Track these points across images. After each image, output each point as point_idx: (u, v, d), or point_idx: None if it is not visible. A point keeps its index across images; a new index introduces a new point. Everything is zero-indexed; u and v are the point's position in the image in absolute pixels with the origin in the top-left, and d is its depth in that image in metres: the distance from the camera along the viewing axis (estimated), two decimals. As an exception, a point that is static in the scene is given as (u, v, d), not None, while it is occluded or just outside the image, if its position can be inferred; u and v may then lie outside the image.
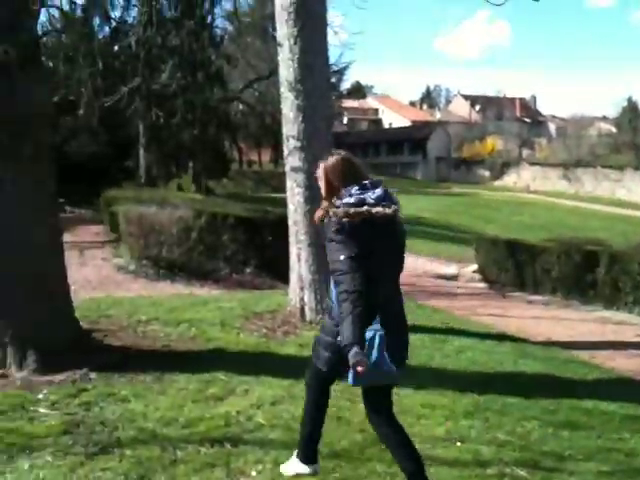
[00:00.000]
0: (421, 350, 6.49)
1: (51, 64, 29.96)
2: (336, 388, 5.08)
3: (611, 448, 4.52)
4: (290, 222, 7.75)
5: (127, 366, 5.31)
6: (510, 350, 7.30)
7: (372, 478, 3.64)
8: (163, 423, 4.21)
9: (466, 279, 15.33)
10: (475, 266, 16.14)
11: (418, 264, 16.63)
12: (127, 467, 3.57)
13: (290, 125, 7.54)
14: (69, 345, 5.40)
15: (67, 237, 15.36)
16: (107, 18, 27.90)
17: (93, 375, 5.05)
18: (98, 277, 10.40)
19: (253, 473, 3.66)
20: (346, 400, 4.87)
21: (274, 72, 6.62)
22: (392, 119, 79.41)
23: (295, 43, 7.37)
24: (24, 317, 5.20)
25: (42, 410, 4.28)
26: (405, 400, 4.92)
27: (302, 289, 7.58)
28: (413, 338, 6.88)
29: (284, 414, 4.50)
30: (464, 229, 27.23)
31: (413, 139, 67.05)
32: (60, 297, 5.63)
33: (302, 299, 7.57)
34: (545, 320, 11.06)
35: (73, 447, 3.77)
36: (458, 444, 4.19)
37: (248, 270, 11.60)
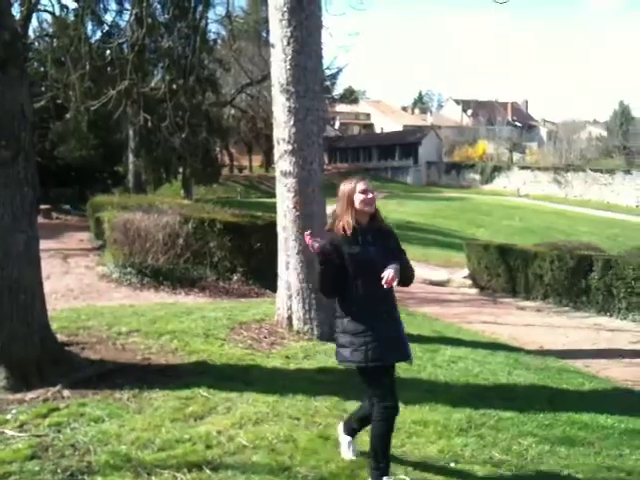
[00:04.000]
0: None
1: (42, 68, 29.75)
2: (325, 405, 4.90)
3: (611, 466, 4.32)
4: (279, 228, 7.53)
5: (103, 382, 5.04)
6: (504, 360, 7.10)
7: (360, 505, 3.39)
8: (138, 446, 3.96)
9: (457, 285, 15.13)
10: (466, 271, 15.96)
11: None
12: (96, 496, 3.32)
13: (281, 128, 7.32)
14: (43, 360, 5.12)
15: (51, 244, 15.11)
16: (99, 22, 27.70)
17: (66, 392, 4.78)
18: (80, 286, 10.10)
19: (233, 500, 3.42)
20: (334, 417, 4.65)
21: (267, 77, 6.45)
22: (384, 124, 79.45)
23: (288, 44, 7.16)
24: (-6, 331, 4.92)
25: (9, 432, 4.01)
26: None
27: (290, 297, 7.35)
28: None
29: (268, 434, 4.26)
30: (454, 234, 27.07)
31: (405, 143, 67.11)
32: (34, 309, 5.33)
33: (290, 308, 7.34)
34: (538, 327, 10.88)
35: (40, 474, 3.51)
36: (452, 465, 3.96)
37: (235, 277, 11.35)
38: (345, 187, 3.78)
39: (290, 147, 7.24)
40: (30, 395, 4.68)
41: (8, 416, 4.28)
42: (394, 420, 3.66)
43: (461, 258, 16.96)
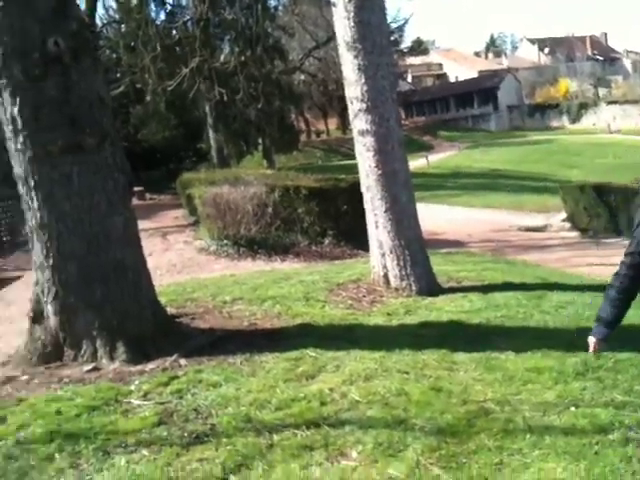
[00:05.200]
0: (517, 309, 6.13)
1: (114, 55, 30.67)
2: (433, 357, 4.89)
3: None
4: (363, 188, 7.49)
5: (216, 349, 5.23)
6: (614, 301, 6.79)
7: (482, 453, 3.36)
8: (256, 406, 4.08)
9: (555, 229, 14.60)
10: (563, 215, 15.36)
11: (500, 218, 16.02)
12: (224, 456, 3.45)
13: (353, 87, 7.23)
14: (157, 333, 5.39)
15: (149, 224, 15.73)
16: (162, 2, 28.16)
17: (183, 361, 4.99)
18: (182, 260, 10.50)
19: (354, 454, 3.48)
20: (444, 369, 4.63)
21: (332, 38, 6.33)
22: (458, 72, 76.85)
23: (349, 1, 7.02)
24: (109, 309, 5.19)
25: (135, 402, 4.24)
26: (507, 365, 4.63)
27: (383, 255, 7.33)
28: (506, 296, 6.61)
29: (379, 389, 4.29)
30: (545, 177, 26.04)
31: (482, 90, 64.85)
32: (142, 285, 5.59)
33: (385, 266, 7.33)
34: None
35: (168, 438, 3.68)
36: (572, 409, 3.85)
37: (326, 241, 11.43)
38: None
39: (364, 105, 7.14)
40: (150, 366, 4.92)
41: (132, 387, 4.52)
42: None
43: (557, 202, 16.31)
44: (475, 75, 72.39)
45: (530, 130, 57.40)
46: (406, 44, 51.75)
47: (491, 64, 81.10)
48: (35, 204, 5.16)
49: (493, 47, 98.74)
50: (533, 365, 4.55)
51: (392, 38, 44.58)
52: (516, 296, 6.60)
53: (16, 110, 5.02)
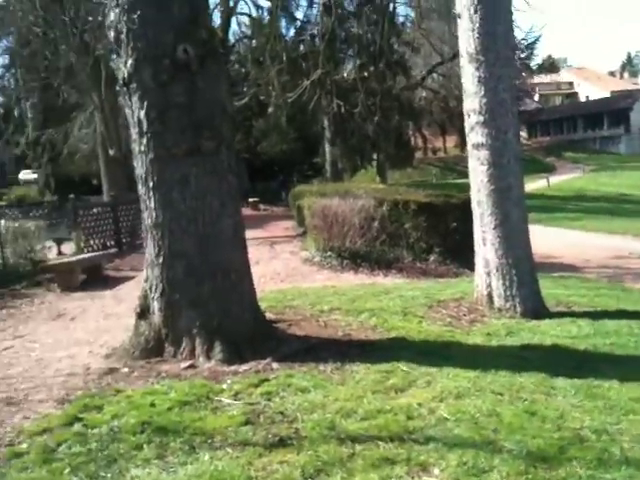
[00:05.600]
0: (628, 337, 5.75)
1: (242, 69, 32.05)
2: (530, 381, 4.67)
3: None
4: (474, 204, 7.30)
5: (308, 356, 5.29)
6: None
7: (572, 482, 3.17)
8: (342, 414, 4.08)
9: (685, 255, 13.52)
10: (693, 242, 14.23)
11: (623, 244, 15.09)
12: (304, 460, 3.47)
13: (471, 99, 7.09)
14: (254, 336, 5.52)
15: (260, 233, 16.21)
16: (292, 19, 29.17)
17: (275, 365, 5.08)
18: (286, 269, 10.71)
19: (436, 471, 3.38)
20: (541, 394, 4.41)
21: (458, 53, 6.28)
22: (589, 92, 73.55)
23: (475, 12, 6.93)
24: (211, 308, 5.39)
25: (225, 400, 4.36)
26: (610, 393, 4.34)
27: (488, 274, 7.11)
28: (619, 324, 6.21)
29: (470, 408, 4.15)
30: (679, 203, 24.25)
31: (613, 110, 61.61)
32: (244, 289, 5.75)
33: (489, 285, 7.10)
34: None
35: (253, 438, 3.76)
36: (676, 443, 3.55)
37: (432, 258, 11.26)
38: None
39: (482, 118, 6.99)
40: (243, 367, 5.05)
41: (224, 386, 4.65)
42: None
43: (687, 228, 15.19)
44: (607, 95, 68.93)
45: (664, 154, 53.83)
46: (536, 61, 50.16)
47: (626, 84, 77.01)
48: (152, 204, 5.46)
49: (630, 66, 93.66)
50: (638, 395, 4.24)
51: (522, 55, 43.43)
52: (629, 324, 6.18)
53: (143, 113, 5.35)
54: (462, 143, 53.15)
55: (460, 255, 10.72)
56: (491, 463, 3.40)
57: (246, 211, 23.18)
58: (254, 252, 11.01)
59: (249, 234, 5.87)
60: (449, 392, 4.45)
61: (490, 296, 7.06)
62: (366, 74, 27.60)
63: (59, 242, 13.39)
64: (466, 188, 7.47)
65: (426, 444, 3.67)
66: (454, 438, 3.74)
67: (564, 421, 3.92)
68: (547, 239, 14.82)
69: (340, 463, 3.47)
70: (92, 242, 13.83)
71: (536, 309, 6.89)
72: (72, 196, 14.21)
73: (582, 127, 64.21)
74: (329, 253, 10.96)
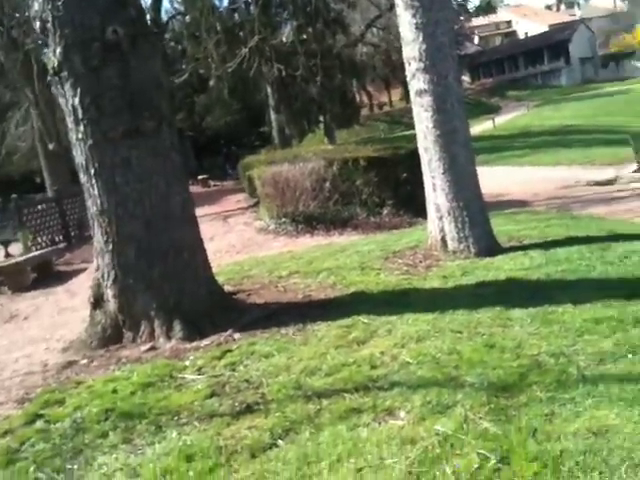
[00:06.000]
0: (579, 262, 5.89)
1: (179, 46, 31.33)
2: (487, 315, 4.76)
3: None
4: (421, 151, 7.32)
5: (270, 322, 5.30)
6: (686, 249, 6.42)
7: (532, 405, 3.25)
8: (306, 373, 4.11)
9: (626, 181, 13.86)
10: (634, 166, 14.57)
11: (570, 175, 15.40)
12: (273, 423, 3.49)
13: (410, 47, 7.04)
14: (213, 310, 5.50)
15: (212, 209, 16.05)
16: (224, -12, 28.45)
17: (237, 335, 5.08)
18: (241, 241, 10.66)
19: (402, 414, 3.44)
20: (498, 326, 4.50)
21: (395, 4, 6.14)
22: (528, 28, 73.83)
23: None
24: (166, 289, 5.34)
25: (189, 376, 4.35)
26: (565, 317, 4.46)
27: (441, 219, 7.17)
28: (569, 251, 6.35)
29: (431, 349, 4.22)
30: (620, 129, 24.73)
31: (552, 44, 62.17)
32: (198, 265, 5.71)
33: (442, 229, 7.17)
34: None
35: (219, 409, 3.76)
36: (629, 356, 3.67)
37: (385, 211, 11.29)
38: None
39: (422, 65, 6.95)
40: (205, 342, 5.04)
41: (187, 362, 4.64)
42: None
43: (628, 152, 15.50)
44: (545, 29, 69.40)
45: (604, 82, 54.68)
46: (474, 3, 50.06)
47: (563, 16, 77.52)
48: (96, 191, 5.35)
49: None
50: (591, 316, 4.36)
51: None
52: (579, 250, 6.32)
53: (77, 100, 5.21)
54: (406, 95, 52.93)
55: (412, 205, 10.78)
56: (454, 398, 3.47)
57: (197, 189, 22.97)
58: (208, 228, 10.91)
59: (201, 211, 5.82)
60: (410, 337, 4.51)
61: (444, 240, 7.14)
62: (305, 36, 27.25)
63: (5, 244, 13.04)
64: (414, 139, 7.48)
65: (391, 390, 3.72)
66: (417, 380, 3.81)
67: (522, 349, 4.02)
68: (496, 178, 15.02)
69: (308, 420, 3.50)
70: (40, 239, 13.57)
71: (489, 247, 6.99)
72: (14, 196, 13.83)
73: (523, 64, 64.68)
74: (283, 220, 10.92)
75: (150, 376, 4.37)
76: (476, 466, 2.83)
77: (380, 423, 3.37)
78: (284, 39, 28.29)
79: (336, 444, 3.20)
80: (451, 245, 7.06)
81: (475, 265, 6.39)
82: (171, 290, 5.36)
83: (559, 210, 10.40)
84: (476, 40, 72.42)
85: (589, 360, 3.67)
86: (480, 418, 3.24)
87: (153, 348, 5.03)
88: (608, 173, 14.82)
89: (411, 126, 7.65)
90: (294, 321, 5.19)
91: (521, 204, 12.10)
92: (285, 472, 3.05)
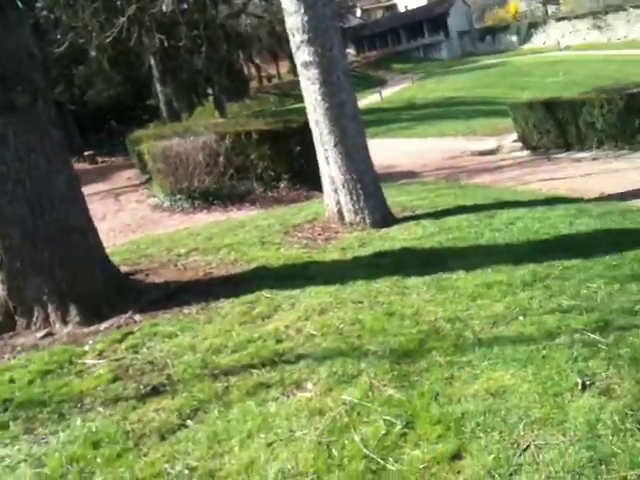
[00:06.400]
0: (468, 229, 6.19)
1: (52, 15, 29.45)
2: (386, 285, 4.93)
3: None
4: (312, 124, 7.36)
5: (171, 301, 5.21)
6: (564, 212, 6.91)
7: (433, 370, 3.43)
8: (212, 351, 4.10)
9: (507, 150, 14.68)
10: (515, 135, 15.42)
11: (455, 145, 16.06)
12: (180, 403, 3.48)
13: (293, 18, 7.01)
14: (109, 292, 5.32)
15: (101, 186, 15.42)
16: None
17: (138, 317, 4.96)
18: (135, 220, 10.35)
19: (309, 385, 3.52)
20: (397, 295, 4.68)
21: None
22: (408, 1, 75.24)
23: None
24: (57, 272, 5.09)
25: (89, 361, 4.21)
26: (458, 283, 4.69)
27: (336, 191, 7.29)
28: (459, 219, 6.66)
29: (334, 321, 4.33)
30: (498, 101, 26.02)
31: (431, 18, 63.78)
32: (90, 245, 5.48)
33: (338, 202, 7.29)
34: (596, 175, 10.53)
35: (124, 393, 3.69)
36: (520, 318, 3.94)
37: (282, 185, 11.33)
38: None
39: (306, 36, 6.95)
40: (104, 325, 4.88)
41: (86, 347, 4.48)
42: None
43: (508, 123, 16.38)
44: (424, 3, 71.10)
45: (482, 55, 57.02)
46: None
47: (440, -10, 79.51)
48: None
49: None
50: (482, 281, 4.62)
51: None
52: (468, 218, 6.65)
53: None
54: (294, 68, 53.03)
55: (309, 178, 10.86)
56: (359, 368, 3.59)
57: (84, 166, 21.93)
58: (98, 207, 10.52)
59: (90, 189, 5.60)
60: (313, 309, 4.60)
61: (340, 212, 7.27)
62: (186, 5, 26.44)
63: None
64: (305, 112, 7.50)
65: (297, 362, 3.80)
66: (322, 351, 3.90)
67: (420, 316, 4.21)
68: (386, 150, 15.41)
69: (216, 398, 3.51)
70: None
71: (384, 218, 7.20)
72: None
73: (405, 38, 66.01)
74: (178, 196, 10.68)
75: (48, 363, 4.19)
76: (383, 432, 2.96)
77: (288, 396, 3.44)
78: (164, 8, 27.32)
79: (246, 420, 3.24)
80: (348, 217, 7.20)
81: (372, 236, 6.56)
82: (63, 273, 5.12)
83: (447, 180, 10.86)
84: (358, 13, 73.13)
85: (483, 324, 3.90)
86: (384, 385, 3.37)
87: (49, 334, 4.82)
88: (490, 143, 15.60)
89: (301, 99, 7.68)
90: (196, 299, 5.13)
91: (411, 175, 12.51)
92: (196, 452, 3.05)
